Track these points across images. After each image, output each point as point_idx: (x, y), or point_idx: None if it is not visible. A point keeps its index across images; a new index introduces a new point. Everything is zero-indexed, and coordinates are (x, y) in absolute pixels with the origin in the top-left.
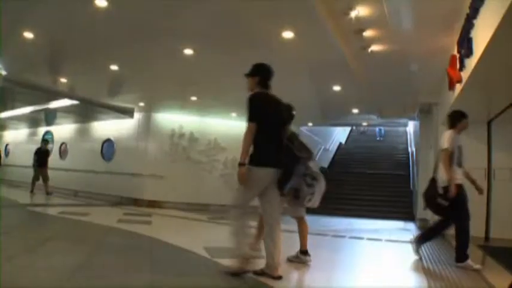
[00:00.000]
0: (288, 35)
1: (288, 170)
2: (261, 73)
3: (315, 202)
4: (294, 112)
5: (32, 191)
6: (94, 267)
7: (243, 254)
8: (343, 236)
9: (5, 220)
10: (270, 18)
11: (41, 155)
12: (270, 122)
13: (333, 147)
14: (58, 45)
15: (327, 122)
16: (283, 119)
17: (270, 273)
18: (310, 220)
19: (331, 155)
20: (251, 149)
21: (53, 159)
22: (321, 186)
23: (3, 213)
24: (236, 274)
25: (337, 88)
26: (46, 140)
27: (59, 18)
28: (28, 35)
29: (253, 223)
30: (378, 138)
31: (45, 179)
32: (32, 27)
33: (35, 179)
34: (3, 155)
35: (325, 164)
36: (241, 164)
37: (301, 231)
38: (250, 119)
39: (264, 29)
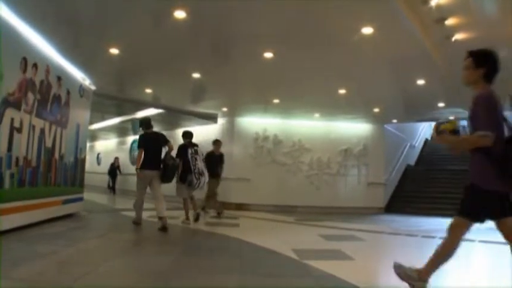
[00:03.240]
0: (367, 30)
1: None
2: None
3: (201, 187)
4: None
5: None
6: (185, 268)
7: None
8: (433, 237)
9: (100, 224)
10: (349, 15)
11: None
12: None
13: (419, 143)
14: (141, 58)
15: (412, 118)
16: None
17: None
18: (399, 220)
19: (417, 152)
20: None
21: None
22: (204, 178)
23: (100, 218)
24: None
25: (421, 82)
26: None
27: (141, 33)
28: (114, 51)
29: None
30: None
31: None
32: (116, 43)
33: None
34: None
35: (412, 162)
36: None
37: (194, 205)
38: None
39: (343, 26)
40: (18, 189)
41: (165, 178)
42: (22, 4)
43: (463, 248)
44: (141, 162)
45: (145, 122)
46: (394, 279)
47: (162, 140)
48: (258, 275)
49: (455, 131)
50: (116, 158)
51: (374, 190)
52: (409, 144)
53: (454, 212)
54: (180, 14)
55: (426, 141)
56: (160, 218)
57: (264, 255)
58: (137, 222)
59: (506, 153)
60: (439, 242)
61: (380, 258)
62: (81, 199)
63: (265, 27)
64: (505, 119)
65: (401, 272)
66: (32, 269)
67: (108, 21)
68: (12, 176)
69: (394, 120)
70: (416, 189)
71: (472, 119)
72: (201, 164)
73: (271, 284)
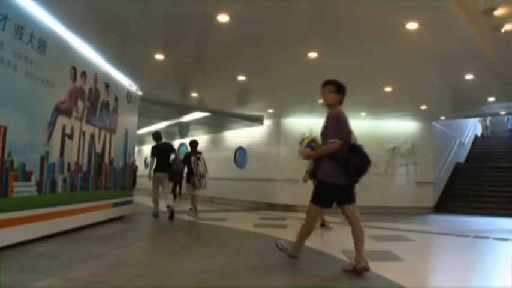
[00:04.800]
0: (412, 26)
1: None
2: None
3: (202, 188)
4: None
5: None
6: (234, 269)
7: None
8: (487, 237)
9: (150, 226)
10: (394, 11)
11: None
12: None
13: (468, 140)
14: (186, 63)
15: (461, 114)
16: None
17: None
18: (449, 220)
19: (467, 149)
20: None
21: None
22: (205, 180)
23: (149, 220)
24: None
25: (469, 77)
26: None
27: (185, 38)
28: (159, 56)
29: None
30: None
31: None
32: (161, 49)
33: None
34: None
35: (461, 159)
36: None
37: (193, 201)
38: None
39: (387, 22)
40: (71, 193)
41: (172, 178)
42: (70, 16)
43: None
44: (153, 167)
45: (157, 135)
46: (445, 281)
47: (170, 149)
48: (307, 276)
49: (311, 142)
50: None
51: (423, 189)
52: (458, 142)
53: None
54: (223, 18)
55: (476, 137)
56: (167, 207)
57: (313, 256)
58: (155, 215)
59: (348, 158)
60: (493, 243)
61: (430, 259)
62: (130, 202)
63: (309, 28)
64: (350, 133)
65: (279, 244)
66: (86, 270)
67: (152, 28)
68: (64, 180)
69: (442, 117)
70: (466, 188)
71: (324, 132)
72: (202, 169)
73: (320, 285)
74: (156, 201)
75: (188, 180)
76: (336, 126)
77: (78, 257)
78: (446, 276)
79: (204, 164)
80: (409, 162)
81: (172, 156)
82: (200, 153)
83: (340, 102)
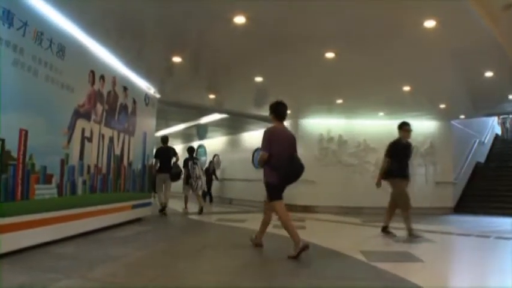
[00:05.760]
0: (429, 24)
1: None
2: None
3: (200, 189)
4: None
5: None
6: (253, 271)
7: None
8: (509, 238)
9: (168, 227)
10: (411, 9)
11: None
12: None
13: (488, 139)
14: (204, 65)
15: (480, 113)
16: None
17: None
18: (470, 221)
19: (487, 148)
20: None
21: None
22: (202, 181)
23: (168, 221)
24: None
25: (489, 74)
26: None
27: (202, 40)
28: (176, 59)
29: None
30: None
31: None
32: (179, 51)
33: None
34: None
35: (482, 159)
36: None
37: (197, 197)
38: None
39: (404, 21)
40: (90, 195)
41: (172, 179)
42: (88, 21)
43: None
44: (157, 168)
45: (164, 139)
46: (466, 283)
47: (172, 152)
48: (326, 277)
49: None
50: (216, 156)
51: (442, 189)
52: (478, 141)
53: None
54: (239, 20)
55: (496, 136)
56: (161, 203)
57: (332, 257)
58: (163, 208)
59: (282, 164)
60: None
61: (451, 261)
62: (149, 204)
63: (326, 28)
64: (283, 146)
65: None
66: (106, 271)
67: (169, 31)
68: (84, 182)
69: (462, 116)
70: (487, 188)
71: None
72: (198, 172)
73: (340, 286)
74: (159, 197)
75: (186, 182)
76: (265, 141)
77: (98, 258)
78: (467, 278)
79: (201, 167)
80: (428, 162)
81: (173, 160)
82: (197, 159)
83: (280, 118)
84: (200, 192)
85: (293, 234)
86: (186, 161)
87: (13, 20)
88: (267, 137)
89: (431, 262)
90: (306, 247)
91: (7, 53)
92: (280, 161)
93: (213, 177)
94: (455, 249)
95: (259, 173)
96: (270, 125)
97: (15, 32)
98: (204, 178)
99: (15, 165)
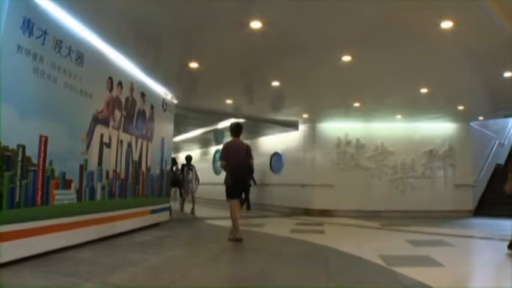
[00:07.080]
0: (446, 24)
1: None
2: None
3: (193, 192)
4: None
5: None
6: (272, 276)
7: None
8: None
9: (186, 232)
10: (427, 10)
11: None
12: None
13: (508, 141)
14: (220, 70)
15: (500, 114)
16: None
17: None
18: (491, 224)
19: (507, 150)
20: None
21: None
22: (192, 185)
23: (185, 226)
24: None
25: (508, 74)
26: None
27: (219, 46)
28: (193, 65)
29: None
30: None
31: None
32: (195, 57)
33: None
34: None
35: (501, 161)
36: None
37: (192, 200)
38: None
39: (421, 22)
40: (109, 200)
41: (172, 185)
42: (105, 28)
43: None
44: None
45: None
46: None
47: (173, 162)
48: (345, 282)
49: None
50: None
51: (462, 192)
52: (497, 142)
53: None
54: (256, 25)
55: None
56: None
57: (351, 262)
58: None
59: (234, 169)
60: None
61: (472, 265)
62: (167, 209)
63: (342, 32)
64: (238, 156)
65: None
66: (125, 275)
67: (186, 37)
68: (103, 188)
69: (481, 117)
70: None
71: None
72: (190, 177)
73: None
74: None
75: (172, 185)
76: (222, 152)
77: (117, 263)
78: (488, 282)
79: (195, 173)
80: (446, 165)
81: (174, 169)
82: (192, 166)
83: (234, 135)
84: (194, 194)
85: (236, 227)
86: (182, 167)
87: (33, 29)
88: (224, 150)
89: (451, 266)
90: (239, 239)
91: (27, 61)
92: (233, 167)
93: (252, 182)
94: (476, 253)
95: (278, 177)
96: (287, 129)
97: (35, 41)
98: (197, 183)
99: (35, 171)
